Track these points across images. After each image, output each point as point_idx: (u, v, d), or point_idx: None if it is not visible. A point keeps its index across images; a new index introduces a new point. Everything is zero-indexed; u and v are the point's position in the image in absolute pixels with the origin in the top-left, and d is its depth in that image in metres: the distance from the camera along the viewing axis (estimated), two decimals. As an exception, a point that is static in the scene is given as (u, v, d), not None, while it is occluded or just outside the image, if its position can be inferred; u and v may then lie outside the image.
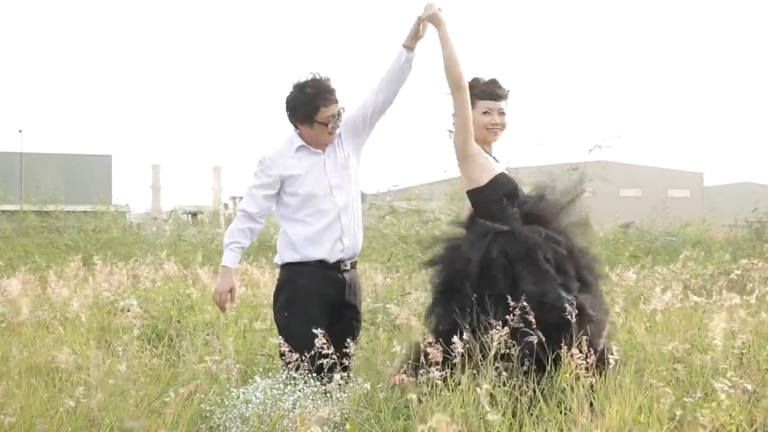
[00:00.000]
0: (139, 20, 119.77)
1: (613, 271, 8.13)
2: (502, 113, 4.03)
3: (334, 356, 3.65)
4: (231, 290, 4.18)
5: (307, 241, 4.16)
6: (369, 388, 3.67)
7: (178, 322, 6.41)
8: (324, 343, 3.68)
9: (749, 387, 3.49)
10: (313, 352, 3.71)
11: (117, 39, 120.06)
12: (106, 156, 37.37)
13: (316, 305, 4.11)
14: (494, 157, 4.14)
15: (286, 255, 4.25)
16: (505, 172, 4.10)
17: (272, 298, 4.35)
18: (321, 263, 4.17)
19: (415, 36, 4.12)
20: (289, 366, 3.75)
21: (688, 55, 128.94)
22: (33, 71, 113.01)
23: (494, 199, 3.96)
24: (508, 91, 4.07)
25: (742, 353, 4.39)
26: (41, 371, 4.61)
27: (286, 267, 4.26)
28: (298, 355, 3.74)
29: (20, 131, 43.11)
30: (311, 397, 3.60)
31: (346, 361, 3.82)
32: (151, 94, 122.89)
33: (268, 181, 4.19)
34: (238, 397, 3.68)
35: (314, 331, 3.70)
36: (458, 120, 3.95)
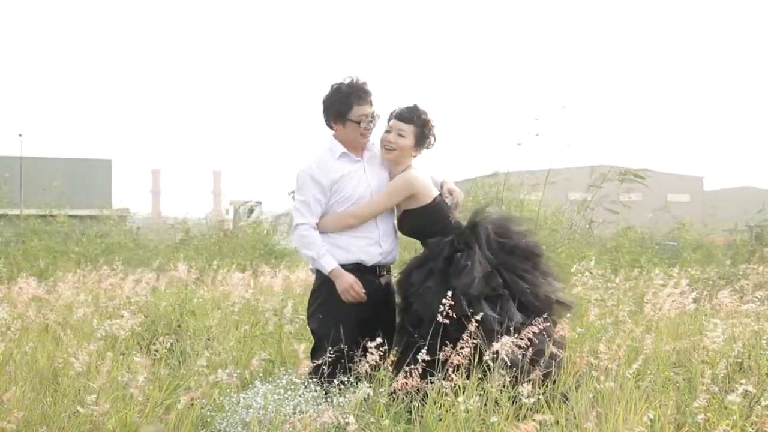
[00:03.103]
0: (140, 25, 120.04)
1: (615, 276, 8.13)
2: (387, 131, 4.31)
3: (362, 358, 3.71)
4: (355, 282, 4.12)
5: (345, 238, 4.20)
6: (371, 392, 3.67)
7: (179, 326, 6.40)
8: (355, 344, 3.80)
9: (751, 389, 3.49)
10: (344, 353, 3.85)
11: (118, 44, 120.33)
12: (107, 160, 37.24)
13: (350, 309, 4.10)
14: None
15: None
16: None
17: (307, 304, 4.38)
18: (358, 266, 4.19)
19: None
20: (324, 376, 3.82)
21: (688, 58, 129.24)
22: (33, 75, 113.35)
23: None
24: (393, 112, 4.33)
25: (743, 357, 4.39)
26: (44, 376, 4.60)
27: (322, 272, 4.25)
28: (331, 359, 3.84)
29: (20, 135, 43.09)
30: (312, 402, 3.60)
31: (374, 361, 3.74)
32: (152, 98, 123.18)
33: (319, 190, 4.19)
34: (239, 402, 3.67)
35: (342, 332, 3.85)
36: None
